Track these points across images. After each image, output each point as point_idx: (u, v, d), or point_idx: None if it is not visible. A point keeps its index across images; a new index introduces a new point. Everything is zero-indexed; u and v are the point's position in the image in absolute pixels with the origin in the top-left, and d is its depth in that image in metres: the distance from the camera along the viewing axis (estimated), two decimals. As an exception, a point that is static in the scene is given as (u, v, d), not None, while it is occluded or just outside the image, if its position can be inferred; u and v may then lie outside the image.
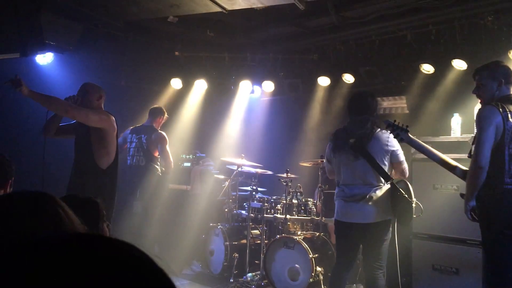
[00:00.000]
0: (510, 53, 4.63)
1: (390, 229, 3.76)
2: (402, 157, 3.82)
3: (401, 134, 3.56)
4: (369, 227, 3.68)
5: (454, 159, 4.44)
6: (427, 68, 5.29)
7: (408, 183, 3.82)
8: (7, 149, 4.97)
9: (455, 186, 4.51)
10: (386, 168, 3.74)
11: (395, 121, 3.60)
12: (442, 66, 5.18)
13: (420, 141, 3.60)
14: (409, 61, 5.41)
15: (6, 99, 4.96)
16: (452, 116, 4.75)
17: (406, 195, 3.69)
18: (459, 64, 5.02)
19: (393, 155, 3.77)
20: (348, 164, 3.80)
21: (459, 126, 4.73)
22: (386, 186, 3.74)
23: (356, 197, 3.72)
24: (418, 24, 5.26)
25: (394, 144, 3.76)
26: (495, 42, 4.78)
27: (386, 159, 3.75)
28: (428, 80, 5.45)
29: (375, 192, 3.70)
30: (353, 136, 3.78)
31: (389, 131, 3.62)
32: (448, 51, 5.10)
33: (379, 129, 3.79)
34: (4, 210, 1.26)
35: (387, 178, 3.71)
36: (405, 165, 3.86)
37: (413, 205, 3.73)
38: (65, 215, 1.34)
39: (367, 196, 3.69)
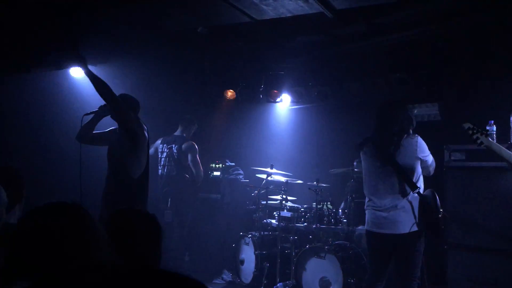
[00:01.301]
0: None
1: (423, 239, 3.69)
2: (430, 158, 3.81)
3: (481, 138, 3.50)
4: (401, 238, 3.62)
5: (492, 168, 4.34)
6: (460, 74, 5.19)
7: (435, 193, 3.74)
8: (46, 155, 5.14)
9: (491, 195, 4.39)
10: (415, 175, 3.68)
11: (474, 125, 3.54)
12: (476, 72, 5.07)
13: (501, 146, 3.53)
14: (441, 67, 5.31)
15: (46, 104, 5.11)
16: (488, 123, 4.63)
17: (433, 206, 3.62)
18: (493, 70, 4.90)
19: (423, 160, 3.74)
20: (376, 173, 3.76)
21: (494, 133, 4.60)
22: (415, 197, 3.68)
23: (386, 207, 3.67)
24: (449, 30, 5.17)
25: (423, 149, 3.73)
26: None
27: (416, 165, 3.70)
28: (462, 87, 5.34)
29: (406, 202, 3.64)
30: (380, 145, 3.74)
31: (470, 133, 3.53)
32: (481, 57, 4.99)
33: (406, 135, 3.74)
34: (46, 223, 1.29)
35: (414, 188, 3.64)
36: (433, 165, 3.87)
37: (440, 215, 3.65)
38: (97, 224, 1.37)
39: (398, 206, 3.63)
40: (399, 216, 3.63)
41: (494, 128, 4.57)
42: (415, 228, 3.62)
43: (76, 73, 5.18)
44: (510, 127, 4.54)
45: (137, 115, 4.23)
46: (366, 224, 3.86)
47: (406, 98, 5.99)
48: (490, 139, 3.52)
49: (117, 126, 4.20)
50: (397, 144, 3.69)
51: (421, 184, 3.74)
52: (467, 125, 3.55)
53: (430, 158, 3.81)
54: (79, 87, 5.35)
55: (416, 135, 3.76)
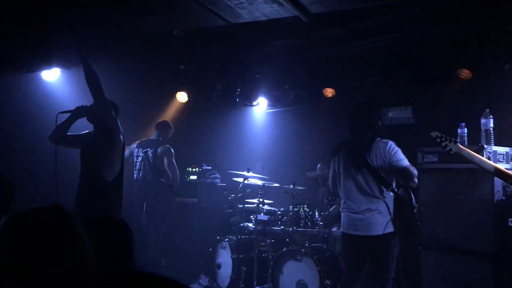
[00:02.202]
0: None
1: (397, 240, 3.74)
2: (404, 162, 3.69)
3: (449, 145, 3.54)
4: (376, 240, 3.66)
5: (464, 169, 4.42)
6: (433, 78, 5.28)
7: (410, 190, 3.77)
8: (19, 159, 5.03)
9: (462, 196, 4.47)
10: (387, 177, 3.71)
11: (442, 133, 3.58)
12: (448, 76, 5.17)
13: (471, 152, 3.57)
14: (415, 71, 5.40)
15: (17, 108, 5.01)
16: (459, 125, 4.72)
17: (407, 202, 3.66)
18: (465, 73, 5.01)
19: (393, 162, 3.68)
20: (350, 177, 3.79)
21: (465, 135, 4.70)
22: (389, 197, 3.72)
23: (361, 210, 3.71)
24: (422, 35, 5.26)
25: (393, 151, 3.70)
26: (500, 51, 4.76)
27: (387, 167, 3.71)
28: (434, 90, 5.43)
29: (380, 204, 3.68)
30: (354, 148, 3.77)
31: (439, 141, 3.56)
32: (453, 61, 5.09)
33: (378, 138, 3.77)
34: (29, 227, 1.27)
35: (388, 186, 3.67)
36: (411, 170, 3.69)
37: (415, 210, 3.70)
38: (79, 230, 1.35)
39: (373, 208, 3.67)
40: (374, 218, 3.66)
41: (465, 130, 4.67)
42: (389, 230, 3.66)
43: (48, 76, 5.09)
44: (480, 129, 4.64)
45: (116, 117, 4.20)
46: (341, 227, 3.89)
47: (381, 101, 6.08)
48: (459, 145, 3.56)
49: (93, 129, 4.15)
50: (369, 146, 3.71)
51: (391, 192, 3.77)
52: (434, 134, 3.60)
53: (403, 161, 3.72)
54: (51, 90, 5.26)
55: (389, 140, 3.76)
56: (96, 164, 4.01)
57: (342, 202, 3.92)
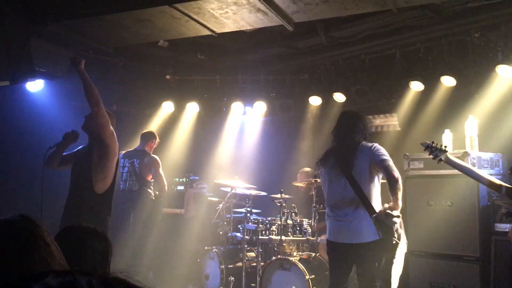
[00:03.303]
0: (497, 68, 4.68)
1: (383, 248, 3.71)
2: (387, 158, 3.65)
3: (439, 155, 3.55)
4: (361, 247, 3.64)
5: (449, 175, 4.46)
6: (417, 86, 5.34)
7: (389, 215, 3.60)
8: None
9: (449, 202, 4.51)
10: (371, 185, 3.68)
11: (433, 142, 3.59)
12: (431, 83, 5.23)
13: (460, 161, 3.59)
14: (399, 79, 5.46)
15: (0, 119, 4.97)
16: (443, 132, 4.77)
17: (390, 234, 3.57)
18: (448, 81, 5.07)
19: (376, 158, 3.65)
20: (334, 183, 3.79)
21: (450, 142, 4.75)
22: (376, 204, 3.71)
23: (348, 218, 3.70)
24: (406, 42, 5.33)
25: (377, 149, 3.69)
26: (482, 58, 4.84)
27: (372, 174, 3.69)
28: (418, 97, 5.49)
29: (363, 212, 3.66)
30: (341, 156, 3.77)
31: (429, 151, 3.57)
32: (436, 68, 5.15)
33: (364, 142, 3.78)
34: None
35: (367, 206, 3.61)
36: (390, 164, 3.61)
37: (393, 243, 3.63)
38: (49, 239, 1.35)
39: (359, 217, 3.65)
40: (360, 226, 3.64)
41: (450, 136, 4.72)
42: (375, 237, 3.64)
43: (32, 87, 5.05)
44: (465, 135, 4.70)
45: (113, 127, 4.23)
46: (327, 234, 3.87)
47: (367, 109, 6.12)
48: (449, 154, 3.59)
49: (87, 143, 4.17)
50: (353, 151, 3.72)
51: (378, 195, 3.75)
52: (425, 144, 3.63)
53: (386, 159, 3.66)
54: (35, 101, 5.21)
55: (374, 143, 3.78)
56: (88, 177, 4.00)
57: (327, 209, 3.91)
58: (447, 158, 3.56)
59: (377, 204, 3.72)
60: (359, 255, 3.66)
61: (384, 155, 3.67)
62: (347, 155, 3.74)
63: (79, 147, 4.31)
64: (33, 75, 4.55)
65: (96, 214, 3.99)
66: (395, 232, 3.60)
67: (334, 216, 3.78)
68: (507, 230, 3.90)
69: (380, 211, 3.60)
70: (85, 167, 4.04)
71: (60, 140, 4.14)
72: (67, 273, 0.66)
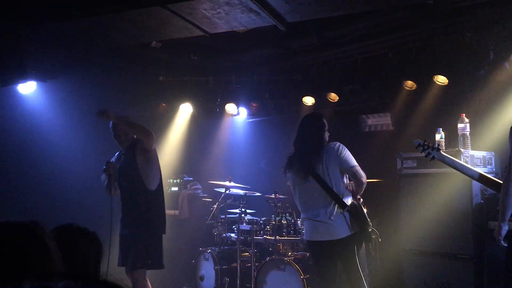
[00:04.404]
0: (488, 67, 4.71)
1: (360, 239, 3.77)
2: (352, 162, 3.77)
3: (432, 153, 3.57)
4: (339, 243, 3.72)
5: (442, 174, 4.47)
6: (409, 85, 5.35)
7: (361, 206, 3.80)
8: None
9: (442, 200, 4.52)
10: (340, 184, 3.75)
11: (425, 141, 3.61)
12: (424, 82, 5.25)
13: (453, 159, 3.60)
14: (392, 78, 5.47)
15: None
16: (436, 131, 4.79)
17: (362, 221, 3.71)
18: (440, 80, 5.09)
19: (342, 162, 3.76)
20: (303, 185, 3.85)
21: (443, 140, 4.76)
22: (348, 200, 3.77)
23: (319, 217, 3.75)
24: (398, 42, 5.34)
25: (341, 152, 3.76)
26: (474, 57, 4.86)
27: (340, 170, 3.77)
28: (411, 96, 5.51)
29: (335, 209, 3.72)
30: (303, 159, 3.82)
31: (421, 149, 3.60)
32: (429, 68, 5.17)
33: (326, 144, 3.83)
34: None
35: (338, 201, 3.71)
36: (358, 170, 3.76)
37: (370, 230, 3.76)
38: (51, 244, 1.38)
39: (332, 214, 3.70)
40: (334, 222, 3.72)
41: (443, 135, 4.73)
42: (349, 232, 3.72)
43: (24, 89, 5.01)
44: (457, 134, 4.71)
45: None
46: (305, 234, 3.94)
47: (359, 108, 6.14)
48: (442, 152, 3.60)
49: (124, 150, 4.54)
50: (317, 152, 3.76)
51: (346, 191, 3.81)
52: (417, 142, 3.64)
53: (351, 161, 3.76)
54: (27, 103, 5.18)
55: (336, 142, 3.82)
56: (138, 178, 4.36)
57: (301, 211, 3.96)
58: (440, 155, 3.58)
59: (347, 198, 3.79)
60: (336, 252, 3.73)
61: (350, 161, 3.77)
62: (311, 157, 3.79)
63: (114, 156, 4.63)
64: (24, 77, 4.53)
65: (152, 210, 4.39)
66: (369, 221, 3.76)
67: (308, 216, 3.86)
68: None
69: (353, 203, 3.77)
70: (132, 170, 4.38)
71: (103, 175, 4.44)
72: (46, 277, 0.66)
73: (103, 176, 4.25)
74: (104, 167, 4.34)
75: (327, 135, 3.93)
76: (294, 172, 3.92)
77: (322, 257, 3.85)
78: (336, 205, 3.72)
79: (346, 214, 3.72)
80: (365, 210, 3.84)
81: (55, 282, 0.62)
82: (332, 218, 3.71)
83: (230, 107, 6.69)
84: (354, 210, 3.73)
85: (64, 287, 0.61)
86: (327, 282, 3.86)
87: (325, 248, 3.78)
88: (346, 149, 3.79)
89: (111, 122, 4.38)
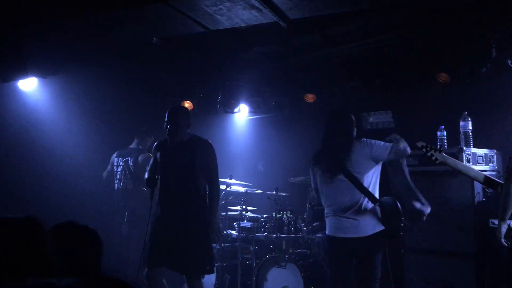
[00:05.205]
0: (490, 64, 4.69)
1: (384, 240, 3.74)
2: (387, 147, 3.67)
3: (435, 155, 3.55)
4: (364, 241, 3.66)
5: (443, 172, 4.46)
6: (411, 82, 5.33)
7: (396, 201, 3.74)
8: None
9: (444, 198, 4.52)
10: (369, 179, 3.70)
11: (427, 143, 3.59)
12: (426, 80, 5.23)
13: (456, 160, 3.59)
14: (393, 75, 5.46)
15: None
16: (438, 128, 4.78)
17: (394, 215, 3.65)
18: (443, 77, 5.07)
19: (377, 150, 3.68)
20: (330, 182, 3.78)
21: (445, 138, 4.75)
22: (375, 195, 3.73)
23: (347, 212, 3.70)
24: (400, 39, 5.32)
25: (371, 142, 3.71)
26: (476, 54, 4.85)
27: (369, 169, 3.71)
28: (413, 94, 5.50)
29: (364, 205, 3.68)
30: (332, 155, 3.77)
31: (424, 151, 3.58)
32: (431, 65, 5.15)
33: (355, 141, 3.78)
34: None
35: (369, 196, 3.67)
36: (397, 148, 3.64)
37: (402, 224, 3.72)
38: (48, 241, 1.39)
39: (360, 210, 3.66)
40: (362, 219, 3.66)
41: (445, 133, 4.73)
42: (377, 230, 3.66)
43: (24, 86, 5.01)
44: (459, 131, 4.70)
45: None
46: (328, 230, 3.85)
47: (361, 106, 6.12)
48: (444, 154, 3.59)
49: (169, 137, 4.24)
50: (347, 151, 3.72)
51: (375, 187, 3.77)
52: (420, 144, 3.63)
53: (385, 149, 3.68)
54: (28, 100, 5.17)
55: (362, 138, 3.78)
56: (192, 178, 4.16)
57: (326, 208, 3.90)
58: (442, 157, 3.57)
59: (376, 193, 3.75)
60: (362, 248, 3.67)
61: (384, 148, 3.67)
62: (341, 153, 3.74)
63: (154, 148, 4.43)
64: (25, 73, 4.51)
65: (202, 211, 4.16)
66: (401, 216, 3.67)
67: (334, 213, 3.78)
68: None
69: (385, 197, 3.67)
70: (189, 170, 4.15)
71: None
72: (49, 274, 0.66)
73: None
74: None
75: (355, 131, 3.86)
76: (322, 168, 3.86)
77: (343, 254, 3.78)
78: (366, 200, 3.67)
79: (377, 208, 3.66)
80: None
81: (58, 280, 0.61)
82: (360, 214, 3.65)
83: (231, 104, 6.67)
84: (385, 204, 3.66)
85: (67, 285, 0.60)
86: (341, 280, 3.81)
87: (348, 245, 3.71)
88: (374, 141, 3.71)
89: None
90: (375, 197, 3.69)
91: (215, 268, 4.33)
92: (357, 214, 3.66)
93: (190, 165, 4.15)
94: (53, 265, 1.33)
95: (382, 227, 3.67)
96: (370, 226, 3.65)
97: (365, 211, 3.67)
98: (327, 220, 3.88)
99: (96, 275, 1.66)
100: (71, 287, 0.62)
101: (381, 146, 3.70)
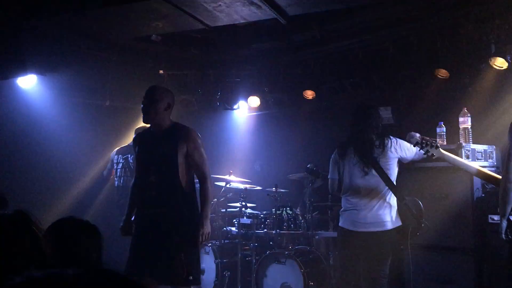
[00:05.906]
0: (490, 61, 4.69)
1: (398, 236, 3.79)
2: (412, 148, 3.78)
3: (431, 151, 3.56)
4: (383, 235, 3.72)
5: (443, 167, 4.46)
6: (411, 78, 5.33)
7: (419, 201, 3.81)
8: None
9: (443, 194, 4.52)
10: (394, 176, 3.80)
11: (423, 138, 3.60)
12: (425, 76, 5.23)
13: (453, 155, 3.60)
14: (392, 72, 5.45)
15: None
16: (437, 124, 4.78)
17: (417, 217, 3.74)
18: (442, 73, 5.07)
19: (405, 156, 3.84)
20: (360, 177, 3.81)
21: (444, 134, 4.75)
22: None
23: (369, 206, 3.74)
24: (399, 35, 5.32)
25: (400, 145, 3.82)
26: (475, 50, 4.84)
27: (394, 166, 3.83)
28: (412, 90, 5.49)
29: (389, 201, 3.75)
30: (363, 149, 3.78)
31: (420, 147, 3.61)
32: (430, 61, 5.15)
33: (385, 137, 3.85)
34: None
35: (397, 193, 3.75)
36: (422, 152, 3.67)
37: (422, 225, 3.76)
38: (40, 234, 1.46)
39: (382, 204, 3.72)
40: (384, 214, 3.74)
41: (444, 129, 4.72)
42: (395, 224, 3.76)
43: (24, 83, 4.99)
44: (459, 128, 4.70)
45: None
46: (346, 224, 3.87)
47: (360, 102, 6.11)
48: (441, 149, 3.59)
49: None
50: (376, 147, 3.77)
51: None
52: (414, 141, 3.63)
53: (411, 150, 3.82)
54: (27, 97, 5.16)
55: (391, 137, 3.87)
56: (175, 173, 3.59)
57: (349, 201, 3.91)
58: (439, 153, 3.56)
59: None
60: (379, 243, 3.71)
61: (411, 148, 3.78)
62: (371, 149, 3.78)
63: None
64: (24, 70, 4.50)
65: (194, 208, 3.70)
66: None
67: (355, 207, 3.80)
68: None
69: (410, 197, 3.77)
70: (171, 164, 3.58)
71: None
72: (46, 265, 0.68)
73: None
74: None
75: (381, 127, 3.92)
76: (353, 162, 3.87)
77: (358, 248, 3.81)
78: (392, 196, 3.75)
79: (396, 204, 3.76)
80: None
81: (60, 270, 0.62)
82: (384, 209, 3.73)
83: (230, 101, 6.66)
84: (411, 202, 3.76)
85: (75, 274, 0.61)
86: (353, 274, 3.86)
87: (366, 239, 3.74)
88: (401, 140, 3.82)
89: None
90: (402, 195, 3.77)
91: (201, 277, 3.83)
92: (383, 209, 3.74)
93: (172, 157, 3.54)
94: (50, 257, 1.36)
95: (400, 223, 3.73)
96: (392, 221, 3.75)
97: (390, 206, 3.76)
98: (346, 214, 3.89)
99: (104, 269, 1.68)
100: (76, 276, 0.62)
101: (409, 148, 3.82)
